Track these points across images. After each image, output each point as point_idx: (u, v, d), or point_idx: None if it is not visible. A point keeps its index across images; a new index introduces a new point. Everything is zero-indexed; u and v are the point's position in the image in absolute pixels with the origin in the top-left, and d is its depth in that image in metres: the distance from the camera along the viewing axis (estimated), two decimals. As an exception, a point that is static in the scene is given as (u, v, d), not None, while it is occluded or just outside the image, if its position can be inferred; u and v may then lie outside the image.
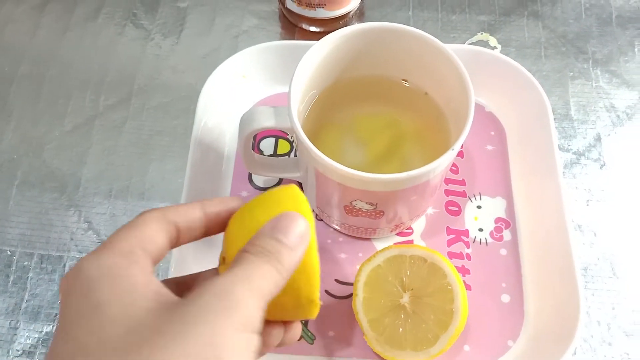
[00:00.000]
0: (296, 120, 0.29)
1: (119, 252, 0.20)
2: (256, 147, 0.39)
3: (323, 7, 0.41)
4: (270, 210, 0.22)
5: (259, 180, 0.38)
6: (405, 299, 0.29)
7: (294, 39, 0.44)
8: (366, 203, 0.30)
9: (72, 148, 0.40)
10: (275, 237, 0.21)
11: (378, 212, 0.31)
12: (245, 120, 0.31)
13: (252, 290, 0.19)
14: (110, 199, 0.38)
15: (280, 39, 0.44)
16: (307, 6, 0.42)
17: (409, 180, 0.28)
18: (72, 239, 0.36)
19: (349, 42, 0.32)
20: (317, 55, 0.32)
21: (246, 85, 0.40)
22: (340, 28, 0.37)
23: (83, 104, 0.41)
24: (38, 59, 0.43)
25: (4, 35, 0.44)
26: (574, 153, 0.39)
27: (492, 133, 0.39)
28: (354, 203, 0.30)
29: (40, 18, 0.45)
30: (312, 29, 0.44)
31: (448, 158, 0.28)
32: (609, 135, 0.39)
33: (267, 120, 0.30)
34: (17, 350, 0.33)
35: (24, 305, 0.35)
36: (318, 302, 0.22)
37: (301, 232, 0.21)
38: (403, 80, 0.35)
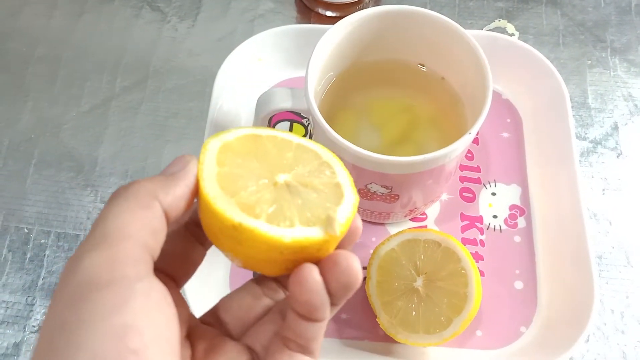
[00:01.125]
0: (313, 101, 0.29)
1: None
2: (271, 131, 0.39)
3: None
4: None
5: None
6: (419, 282, 0.30)
7: (309, 24, 0.44)
8: (381, 186, 0.30)
9: (89, 129, 0.40)
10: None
11: (393, 196, 0.31)
12: (262, 101, 0.31)
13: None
14: (126, 180, 0.38)
15: (296, 23, 0.44)
16: None
17: (425, 163, 0.28)
18: (88, 218, 0.37)
19: (366, 25, 0.32)
20: (335, 38, 0.32)
21: (262, 69, 0.40)
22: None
23: (99, 86, 0.42)
24: (54, 41, 0.44)
25: (20, 17, 0.45)
26: (591, 142, 0.38)
27: (508, 120, 0.39)
28: (369, 186, 0.30)
29: (57, 0, 0.45)
30: (328, 13, 0.44)
31: (465, 142, 0.28)
32: (626, 124, 0.39)
33: (284, 102, 0.30)
34: (34, 327, 0.34)
35: (40, 282, 0.35)
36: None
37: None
38: (420, 64, 0.34)
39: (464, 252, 0.30)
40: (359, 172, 0.29)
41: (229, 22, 0.44)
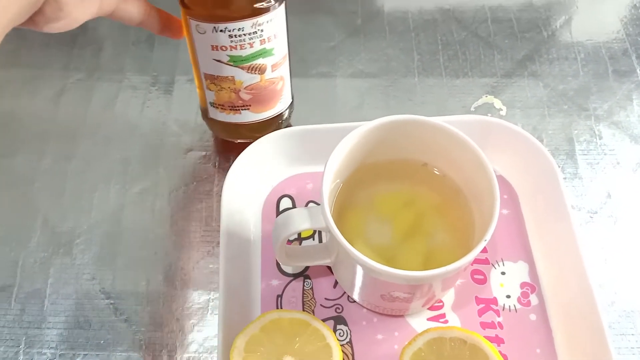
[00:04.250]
0: (333, 224, 0.30)
1: None
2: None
3: (248, 109, 0.39)
4: None
5: (286, 266, 0.38)
6: (449, 382, 0.31)
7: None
8: (404, 293, 0.31)
9: (101, 242, 0.40)
10: None
11: (414, 297, 0.32)
12: (281, 224, 0.32)
13: None
14: (147, 290, 0.38)
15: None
16: (231, 110, 0.39)
17: (446, 273, 0.29)
18: (109, 336, 0.37)
19: (373, 134, 0.34)
20: (342, 152, 0.33)
21: (265, 171, 0.41)
22: (278, 129, 0.38)
23: (108, 195, 0.42)
24: (58, 153, 0.44)
25: (22, 127, 0.45)
26: (587, 212, 0.40)
27: (505, 196, 0.41)
28: (392, 293, 0.32)
29: (57, 110, 0.46)
30: (240, 141, 0.42)
31: (480, 248, 0.30)
32: (618, 191, 0.41)
33: (302, 223, 0.31)
34: None
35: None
36: None
37: None
38: (424, 164, 0.36)
39: (491, 349, 0.31)
40: (383, 284, 0.31)
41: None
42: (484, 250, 0.39)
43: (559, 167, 0.40)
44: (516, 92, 0.46)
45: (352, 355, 0.35)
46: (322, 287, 0.38)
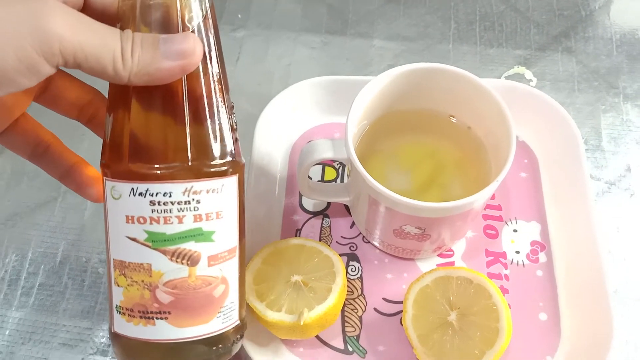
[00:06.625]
0: (354, 154, 0.32)
1: None
2: (307, 171, 0.42)
3: (166, 319, 0.25)
4: None
5: (308, 204, 0.41)
6: (453, 316, 0.32)
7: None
8: (415, 227, 0.33)
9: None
10: (156, 37, 0.21)
11: (425, 235, 0.34)
12: (306, 152, 0.34)
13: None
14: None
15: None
16: (141, 318, 0.25)
17: (458, 207, 0.31)
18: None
19: (401, 80, 0.35)
20: (371, 92, 0.35)
21: (296, 116, 0.43)
22: None
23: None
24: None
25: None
26: (606, 182, 0.41)
27: (525, 161, 0.42)
28: (403, 227, 0.33)
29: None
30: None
31: (492, 188, 0.31)
32: (638, 166, 0.42)
33: (326, 152, 0.33)
34: (92, 349, 0.37)
35: (97, 307, 0.38)
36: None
37: (183, 49, 0.21)
38: (450, 115, 0.38)
39: (495, 289, 0.32)
40: (396, 214, 0.32)
41: (267, 67, 0.48)
42: (499, 208, 0.40)
43: (583, 138, 0.41)
44: (548, 66, 0.47)
45: (362, 289, 0.37)
46: (340, 225, 0.40)
